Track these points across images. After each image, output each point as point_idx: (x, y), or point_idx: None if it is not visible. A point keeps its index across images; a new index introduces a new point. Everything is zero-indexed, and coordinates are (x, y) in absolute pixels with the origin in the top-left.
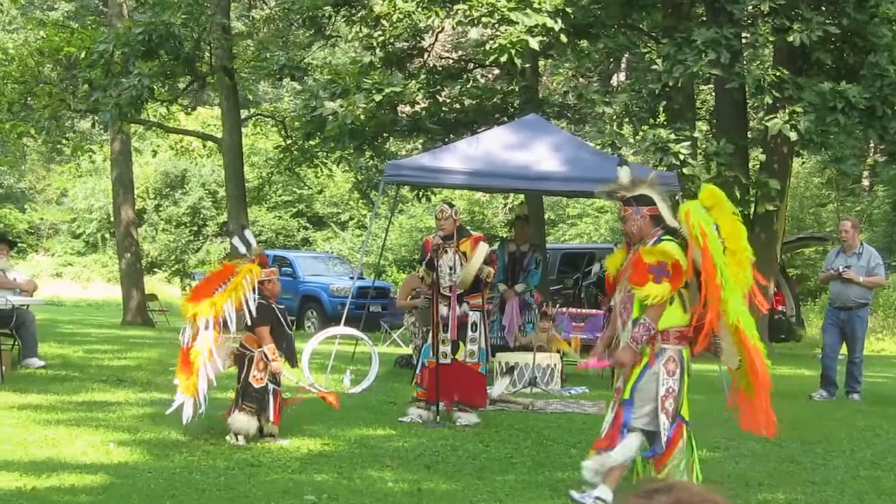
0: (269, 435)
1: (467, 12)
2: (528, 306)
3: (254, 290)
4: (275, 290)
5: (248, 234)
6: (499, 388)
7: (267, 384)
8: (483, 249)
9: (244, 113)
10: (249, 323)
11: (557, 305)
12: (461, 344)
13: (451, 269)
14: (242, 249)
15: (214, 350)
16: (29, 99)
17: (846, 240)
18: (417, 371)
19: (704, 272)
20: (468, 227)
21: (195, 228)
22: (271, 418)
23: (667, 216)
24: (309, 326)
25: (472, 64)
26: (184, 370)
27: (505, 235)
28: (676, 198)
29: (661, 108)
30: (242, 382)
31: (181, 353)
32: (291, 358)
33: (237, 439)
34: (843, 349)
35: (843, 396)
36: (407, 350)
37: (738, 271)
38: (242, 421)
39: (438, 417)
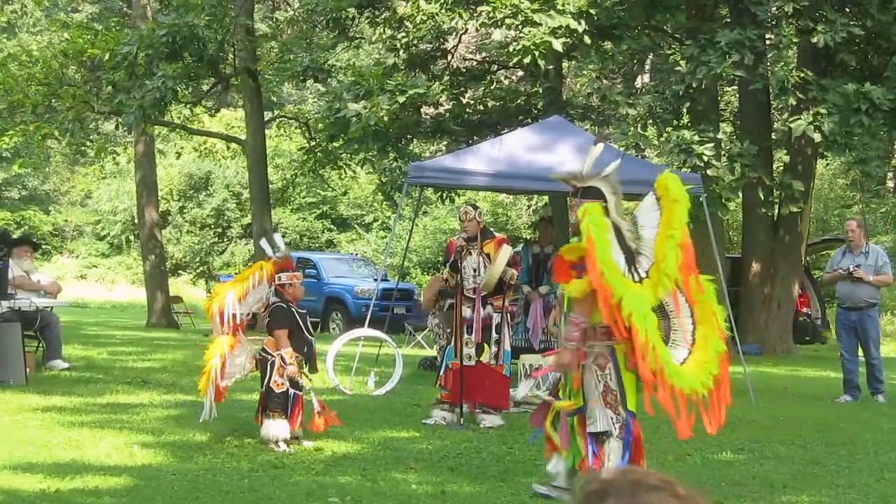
0: (294, 437)
1: (491, 14)
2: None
3: (271, 287)
4: (296, 293)
5: (277, 237)
6: (523, 390)
7: (288, 389)
8: (506, 251)
9: (268, 115)
10: (250, 315)
11: None
12: (485, 346)
13: (475, 270)
14: (269, 252)
15: (227, 352)
16: (53, 101)
17: (853, 239)
18: (441, 373)
19: (591, 278)
20: (492, 229)
21: (219, 230)
22: (296, 423)
23: (612, 211)
24: (333, 328)
25: (496, 65)
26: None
27: (529, 237)
28: (701, 199)
29: (684, 110)
30: (265, 388)
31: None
32: (312, 363)
33: (278, 446)
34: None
35: (868, 398)
36: (431, 352)
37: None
38: (273, 427)
39: (462, 419)
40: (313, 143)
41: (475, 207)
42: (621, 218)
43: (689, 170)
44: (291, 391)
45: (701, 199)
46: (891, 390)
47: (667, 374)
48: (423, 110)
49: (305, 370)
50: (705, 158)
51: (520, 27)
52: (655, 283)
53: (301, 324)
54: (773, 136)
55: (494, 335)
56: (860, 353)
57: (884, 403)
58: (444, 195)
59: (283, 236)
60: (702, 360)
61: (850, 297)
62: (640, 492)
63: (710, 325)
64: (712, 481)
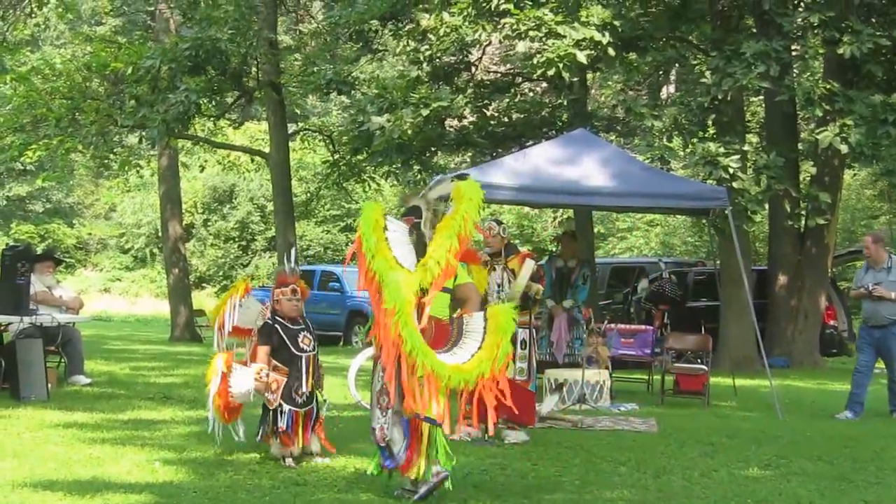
0: (308, 453)
1: (514, 26)
2: (577, 322)
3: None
4: (283, 309)
5: (291, 252)
6: (548, 405)
7: (281, 406)
8: (529, 266)
9: (292, 127)
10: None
11: (606, 321)
12: (510, 362)
13: (498, 286)
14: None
15: (225, 371)
16: (76, 114)
17: (869, 255)
18: None
19: (359, 265)
20: (516, 243)
21: (243, 243)
22: (304, 439)
23: (424, 225)
24: (356, 342)
25: (520, 77)
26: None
27: (553, 250)
28: (726, 212)
29: (710, 122)
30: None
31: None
32: (297, 381)
33: (284, 462)
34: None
35: (870, 413)
36: None
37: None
38: (274, 444)
39: (486, 435)
40: (337, 156)
41: (499, 223)
42: (431, 230)
43: (715, 182)
44: (287, 408)
45: (726, 211)
46: None
47: (418, 354)
48: (447, 123)
49: (314, 387)
50: (731, 171)
51: (544, 39)
52: (422, 265)
53: (287, 340)
54: (800, 148)
55: (520, 350)
56: (877, 369)
57: None
58: None
59: (306, 248)
60: (459, 370)
61: (874, 315)
62: None
63: (490, 351)
64: (738, 498)
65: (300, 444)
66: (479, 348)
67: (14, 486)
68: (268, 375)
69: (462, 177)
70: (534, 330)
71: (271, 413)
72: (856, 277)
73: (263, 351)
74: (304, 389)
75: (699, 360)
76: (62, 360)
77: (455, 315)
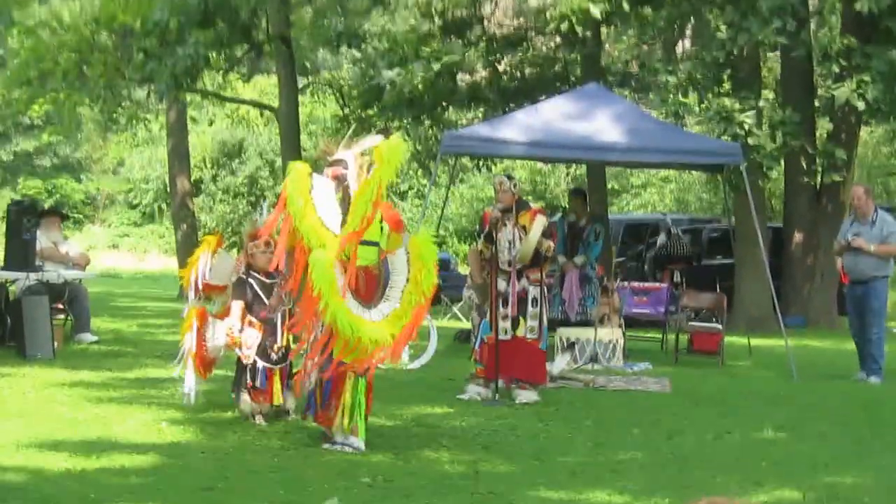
0: (285, 411)
1: None
2: (589, 280)
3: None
4: (257, 262)
5: (263, 206)
6: (559, 364)
7: (256, 362)
8: (540, 222)
9: (302, 81)
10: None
11: (619, 279)
12: (521, 320)
13: (510, 242)
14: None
15: (198, 326)
16: (84, 68)
17: (858, 207)
18: (476, 347)
19: (283, 232)
20: (529, 199)
21: (252, 199)
22: (279, 397)
23: (351, 178)
24: None
25: (533, 32)
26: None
27: (566, 207)
28: (741, 168)
29: (725, 77)
30: (236, 360)
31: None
32: (272, 337)
33: (254, 419)
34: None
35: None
36: (467, 324)
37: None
38: (244, 401)
39: (497, 395)
40: (347, 111)
41: (510, 178)
42: (357, 183)
43: (730, 138)
44: (260, 364)
45: (741, 168)
46: None
47: (339, 325)
48: (458, 78)
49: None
50: (746, 127)
51: None
52: (344, 232)
53: (262, 294)
54: (816, 104)
55: (531, 308)
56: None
57: (877, 384)
58: (481, 163)
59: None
60: (396, 315)
61: (854, 269)
62: None
63: (415, 282)
64: (752, 460)
65: (273, 402)
66: (407, 280)
67: (19, 447)
68: (241, 332)
69: (387, 134)
70: (545, 287)
71: (246, 370)
72: (840, 230)
73: (238, 306)
74: (279, 345)
75: (714, 319)
76: (68, 318)
77: (381, 257)
